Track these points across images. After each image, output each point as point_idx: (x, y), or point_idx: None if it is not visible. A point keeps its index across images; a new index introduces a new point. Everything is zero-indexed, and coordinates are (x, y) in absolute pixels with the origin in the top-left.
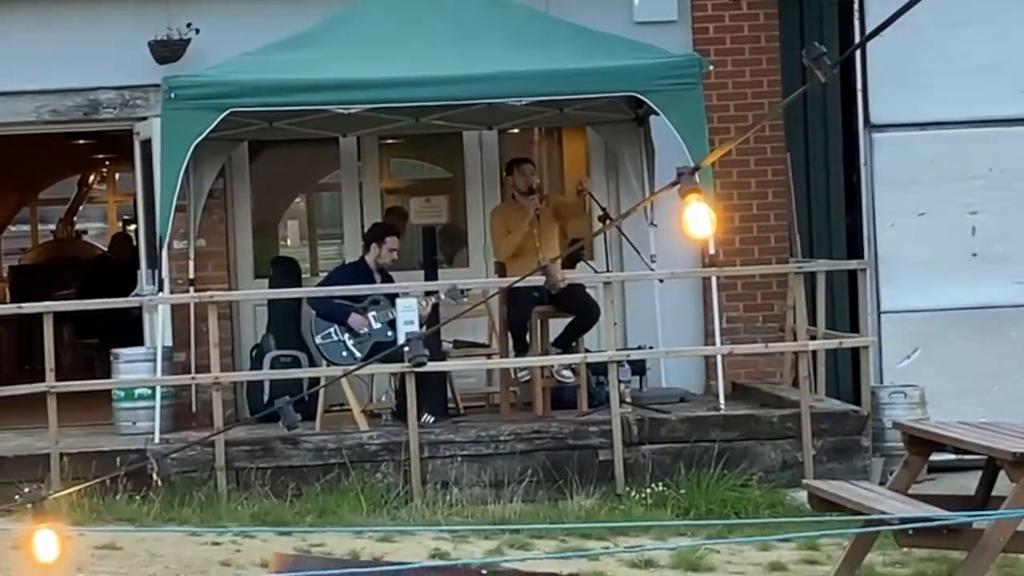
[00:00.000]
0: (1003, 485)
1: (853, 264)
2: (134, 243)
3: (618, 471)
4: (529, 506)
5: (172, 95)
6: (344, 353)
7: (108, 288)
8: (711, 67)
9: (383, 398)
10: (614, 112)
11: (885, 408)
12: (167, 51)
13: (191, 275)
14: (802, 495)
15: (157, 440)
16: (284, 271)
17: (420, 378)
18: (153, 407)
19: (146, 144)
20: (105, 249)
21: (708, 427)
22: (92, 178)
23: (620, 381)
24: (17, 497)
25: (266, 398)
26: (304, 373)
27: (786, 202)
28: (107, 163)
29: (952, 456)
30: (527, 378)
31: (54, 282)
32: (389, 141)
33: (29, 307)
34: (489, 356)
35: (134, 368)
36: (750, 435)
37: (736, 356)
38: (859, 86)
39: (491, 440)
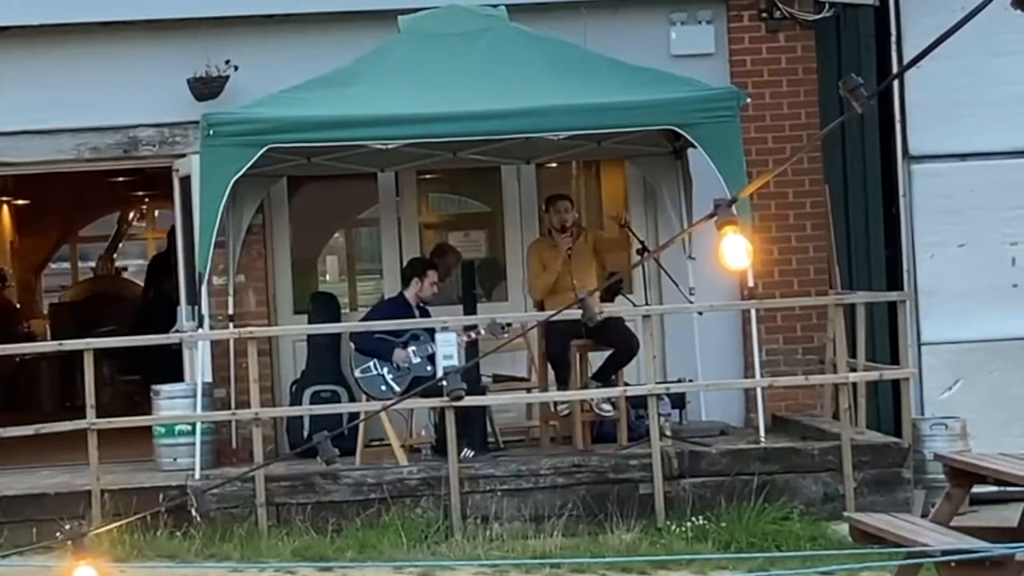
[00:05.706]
0: None
1: (893, 296)
2: None
3: (659, 505)
4: (570, 540)
5: (211, 132)
6: (383, 387)
7: (160, 326)
8: (749, 99)
9: (423, 432)
10: (652, 145)
11: (926, 440)
12: (206, 88)
13: (231, 311)
14: (844, 528)
15: (198, 476)
16: (323, 306)
17: (460, 412)
18: (193, 443)
19: (185, 181)
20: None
21: (749, 460)
22: (132, 215)
23: (660, 414)
24: (58, 534)
25: (306, 433)
26: (344, 408)
27: (825, 234)
28: (147, 200)
29: (994, 488)
30: (567, 412)
31: (94, 319)
32: (427, 176)
33: (70, 344)
34: (529, 390)
35: (174, 404)
36: (791, 468)
37: (776, 389)
38: (897, 117)
39: (531, 474)
